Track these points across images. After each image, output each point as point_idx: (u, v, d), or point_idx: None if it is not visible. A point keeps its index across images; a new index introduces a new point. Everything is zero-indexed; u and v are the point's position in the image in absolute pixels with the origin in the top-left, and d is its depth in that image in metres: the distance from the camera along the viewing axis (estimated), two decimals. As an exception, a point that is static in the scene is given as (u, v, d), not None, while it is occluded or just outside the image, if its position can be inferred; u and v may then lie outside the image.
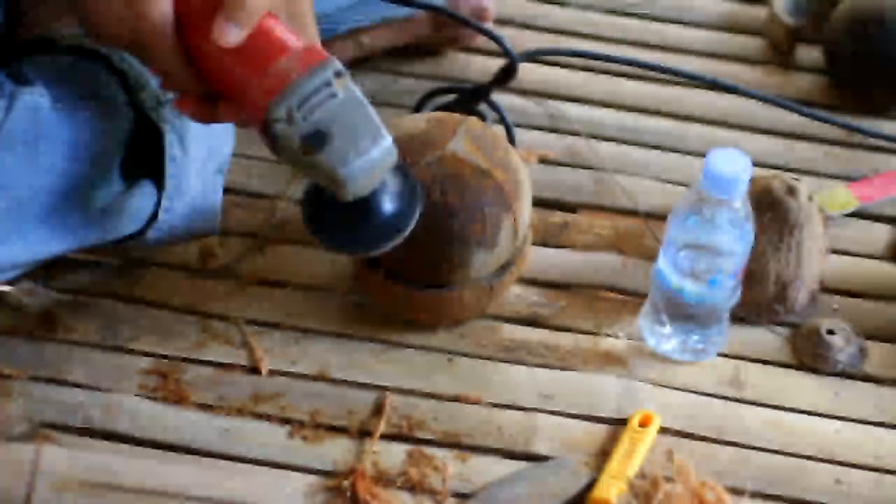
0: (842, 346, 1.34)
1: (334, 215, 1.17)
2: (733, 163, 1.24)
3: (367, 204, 1.15)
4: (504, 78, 1.47)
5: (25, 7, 1.31)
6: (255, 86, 1.11)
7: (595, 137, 1.55)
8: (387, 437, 1.26)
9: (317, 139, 1.11)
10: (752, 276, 1.34)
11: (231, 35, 1.10)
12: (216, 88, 1.14)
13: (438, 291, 1.31)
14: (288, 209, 1.43)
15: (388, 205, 1.16)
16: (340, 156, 1.11)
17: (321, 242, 1.18)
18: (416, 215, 1.18)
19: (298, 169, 1.14)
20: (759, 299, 1.36)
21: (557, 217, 1.46)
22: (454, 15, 1.46)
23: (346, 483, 1.21)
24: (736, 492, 1.23)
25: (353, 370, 1.31)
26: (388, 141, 1.12)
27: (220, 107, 1.14)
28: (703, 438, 1.28)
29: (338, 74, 1.12)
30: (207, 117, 1.16)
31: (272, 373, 1.30)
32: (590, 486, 1.23)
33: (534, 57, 1.54)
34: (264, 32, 1.12)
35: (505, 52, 1.45)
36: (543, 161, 1.52)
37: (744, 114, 1.59)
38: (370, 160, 1.12)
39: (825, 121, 1.54)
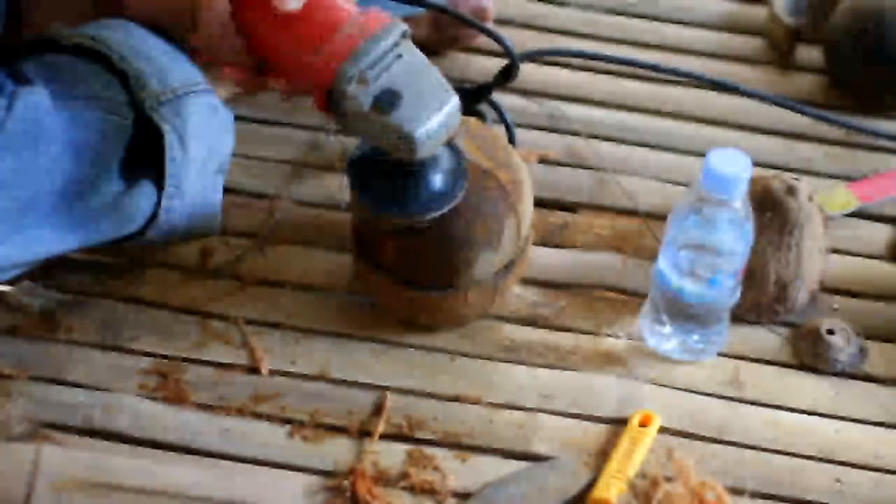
0: (842, 346, 1.34)
1: (383, 181, 1.16)
2: (733, 163, 1.24)
3: (421, 170, 1.15)
4: (505, 78, 1.47)
5: (25, 7, 1.30)
6: (320, 51, 1.11)
7: (595, 137, 1.55)
8: (387, 437, 1.26)
9: (389, 99, 1.11)
10: (752, 276, 1.34)
11: (292, 1, 1.10)
12: (270, 59, 1.14)
13: (441, 293, 1.31)
14: (288, 209, 1.43)
15: (438, 172, 1.16)
16: (412, 115, 1.11)
17: (370, 208, 1.18)
18: (464, 185, 1.18)
19: (365, 131, 1.13)
20: (759, 299, 1.36)
21: (557, 217, 1.46)
22: (456, 14, 1.46)
23: (346, 483, 1.21)
24: (736, 492, 1.23)
25: (353, 370, 1.31)
26: (456, 99, 1.13)
27: (268, 76, 1.14)
28: (703, 438, 1.28)
29: (404, 35, 1.12)
30: (254, 87, 1.16)
31: (272, 373, 1.30)
32: (590, 486, 1.23)
33: (534, 57, 1.54)
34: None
35: (507, 52, 1.45)
36: (543, 161, 1.52)
37: (744, 114, 1.59)
38: (441, 118, 1.12)
39: (826, 120, 1.54)
